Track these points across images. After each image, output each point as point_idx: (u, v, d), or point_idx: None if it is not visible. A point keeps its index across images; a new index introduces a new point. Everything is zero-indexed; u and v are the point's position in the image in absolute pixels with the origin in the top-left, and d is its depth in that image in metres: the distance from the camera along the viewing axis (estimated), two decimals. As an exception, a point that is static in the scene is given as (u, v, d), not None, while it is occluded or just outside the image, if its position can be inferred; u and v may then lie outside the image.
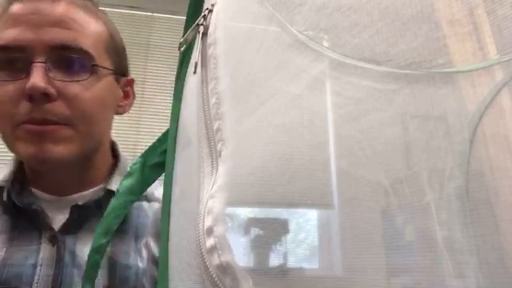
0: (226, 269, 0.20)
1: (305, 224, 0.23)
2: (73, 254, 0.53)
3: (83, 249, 0.53)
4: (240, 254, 0.21)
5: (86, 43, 0.53)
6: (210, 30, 0.27)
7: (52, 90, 0.50)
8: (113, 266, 0.54)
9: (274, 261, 0.22)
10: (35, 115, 0.50)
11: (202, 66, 0.27)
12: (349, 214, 0.21)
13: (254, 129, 0.23)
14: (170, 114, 0.33)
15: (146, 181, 0.38)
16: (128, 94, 0.62)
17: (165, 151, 0.34)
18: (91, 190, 0.58)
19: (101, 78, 0.55)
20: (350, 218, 0.21)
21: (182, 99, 0.32)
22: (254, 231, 0.22)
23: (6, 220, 0.55)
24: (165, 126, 0.33)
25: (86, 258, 0.48)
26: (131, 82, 0.62)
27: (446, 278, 0.18)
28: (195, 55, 0.27)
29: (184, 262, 0.24)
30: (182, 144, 0.30)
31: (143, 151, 0.38)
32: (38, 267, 0.52)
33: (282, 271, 0.22)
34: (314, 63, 0.23)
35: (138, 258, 0.56)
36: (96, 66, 0.53)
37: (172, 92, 0.33)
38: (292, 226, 0.22)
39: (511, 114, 0.20)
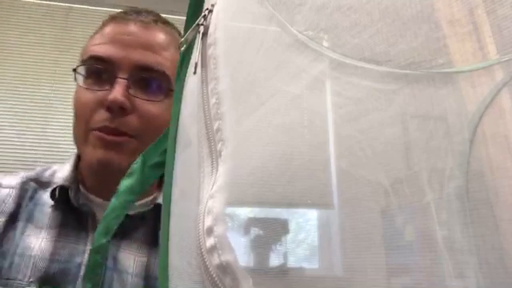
0: (226, 268, 0.20)
1: (305, 224, 0.23)
2: (115, 260, 0.56)
3: (124, 256, 0.56)
4: (240, 253, 0.21)
5: (167, 67, 0.59)
6: (210, 30, 0.27)
7: (128, 105, 0.56)
8: (148, 276, 0.57)
9: (274, 261, 0.22)
10: (109, 124, 0.56)
11: (201, 66, 0.27)
12: (349, 214, 0.21)
13: (254, 129, 0.23)
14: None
15: (146, 181, 0.38)
16: None
17: (165, 151, 0.34)
18: (141, 202, 0.62)
19: (171, 99, 0.59)
20: (350, 218, 0.21)
21: (182, 99, 0.32)
22: (254, 231, 0.22)
23: (57, 216, 0.59)
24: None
25: (126, 264, 0.56)
26: None
27: (445, 278, 0.18)
28: (195, 55, 0.27)
29: (184, 261, 0.24)
30: (182, 144, 0.30)
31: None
32: (83, 267, 0.55)
33: (282, 271, 0.22)
34: (314, 63, 0.23)
35: None
36: (171, 90, 0.59)
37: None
38: (292, 226, 0.22)
39: (511, 114, 0.20)
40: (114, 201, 0.37)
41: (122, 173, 0.55)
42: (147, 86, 0.58)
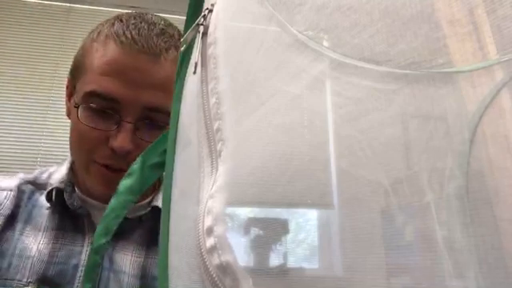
0: (225, 269, 0.20)
1: (305, 224, 0.23)
2: (111, 261, 0.56)
3: (120, 256, 0.57)
4: (240, 253, 0.21)
5: None
6: (210, 30, 0.27)
7: (134, 148, 0.55)
8: (144, 276, 0.57)
9: (274, 261, 0.22)
10: (112, 164, 0.56)
11: (201, 66, 0.27)
12: (349, 214, 0.21)
13: (254, 129, 0.23)
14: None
15: (145, 181, 0.38)
16: None
17: (165, 151, 0.34)
18: (138, 204, 0.62)
19: None
20: (350, 218, 0.21)
21: (182, 99, 0.32)
22: (254, 231, 0.22)
23: (54, 218, 0.59)
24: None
25: (122, 265, 0.56)
26: None
27: (445, 278, 0.18)
28: (195, 55, 0.27)
29: (184, 261, 0.24)
30: (182, 144, 0.30)
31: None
32: (80, 268, 0.55)
33: (282, 271, 0.22)
34: (314, 63, 0.23)
35: None
36: None
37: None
38: (292, 226, 0.22)
39: (511, 114, 0.20)
40: (113, 201, 0.37)
41: None
42: (154, 127, 0.56)
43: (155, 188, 0.65)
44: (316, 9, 0.23)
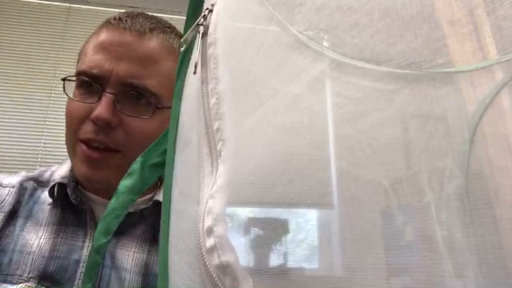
0: (225, 269, 0.20)
1: (305, 224, 0.23)
2: (113, 257, 0.56)
3: (122, 253, 0.57)
4: (240, 253, 0.21)
5: (157, 84, 0.58)
6: (210, 30, 0.27)
7: (114, 121, 0.56)
8: (147, 274, 0.57)
9: (274, 261, 0.22)
10: (94, 137, 0.56)
11: (201, 66, 0.27)
12: (349, 213, 0.21)
13: (255, 129, 0.23)
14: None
15: (146, 181, 0.38)
16: None
17: (165, 151, 0.34)
18: (140, 199, 0.62)
19: (162, 115, 0.59)
20: (350, 218, 0.21)
21: (182, 99, 0.32)
22: (254, 231, 0.22)
23: (55, 213, 0.59)
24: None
25: (124, 261, 0.56)
26: None
27: (445, 278, 0.18)
28: (195, 55, 0.27)
29: (184, 261, 0.24)
30: (182, 144, 0.30)
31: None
32: (82, 263, 0.55)
33: (282, 271, 0.22)
34: (314, 63, 0.23)
35: None
36: (161, 108, 0.58)
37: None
38: (292, 226, 0.22)
39: (511, 114, 0.20)
40: (113, 201, 0.37)
41: (109, 186, 0.57)
42: (135, 102, 0.57)
43: (157, 185, 0.65)
44: (316, 9, 0.23)
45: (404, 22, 0.21)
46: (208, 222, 0.22)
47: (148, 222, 0.61)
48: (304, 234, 0.23)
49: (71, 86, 0.61)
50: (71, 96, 0.60)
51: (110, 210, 0.37)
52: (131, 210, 0.58)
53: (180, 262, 0.25)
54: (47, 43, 2.22)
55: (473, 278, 0.19)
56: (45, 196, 0.61)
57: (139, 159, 0.38)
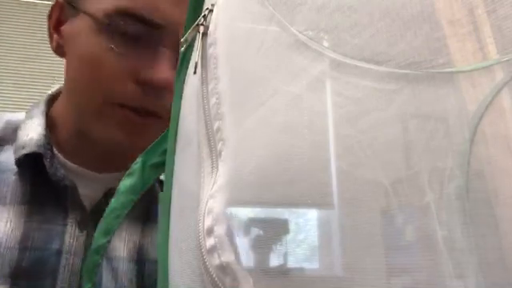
0: (226, 269, 0.20)
1: (305, 224, 0.23)
2: None
3: (113, 238, 0.45)
4: (240, 254, 0.21)
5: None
6: (210, 30, 0.27)
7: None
8: (141, 260, 0.48)
9: (275, 261, 0.22)
10: (144, 104, 0.43)
11: (202, 66, 0.27)
12: (349, 213, 0.21)
13: (255, 128, 0.23)
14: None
15: (146, 180, 0.38)
16: None
17: (165, 151, 0.34)
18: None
19: None
20: (350, 217, 0.21)
21: (182, 99, 0.32)
22: (255, 231, 0.22)
23: (24, 189, 0.45)
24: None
25: (116, 248, 0.45)
26: None
27: (446, 278, 0.18)
28: (195, 55, 0.27)
29: (184, 262, 0.24)
30: (182, 144, 0.30)
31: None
32: (65, 255, 0.44)
33: (283, 271, 0.22)
34: (314, 63, 0.23)
35: None
36: None
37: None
38: (292, 226, 0.22)
39: None
40: (113, 201, 0.37)
41: (133, 152, 0.42)
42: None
43: None
44: (316, 9, 0.23)
45: (404, 22, 0.21)
46: (208, 222, 0.22)
47: (140, 200, 0.47)
48: (304, 234, 0.23)
49: (85, 24, 0.43)
50: (103, 40, 0.42)
51: (110, 211, 0.37)
52: (114, 186, 0.48)
53: (180, 262, 0.25)
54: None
55: (473, 278, 0.19)
56: (6, 160, 0.45)
57: (139, 159, 0.38)
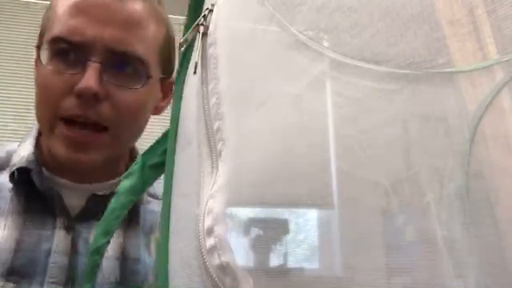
0: (226, 269, 0.20)
1: (305, 224, 0.23)
2: (87, 243, 0.52)
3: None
4: (240, 254, 0.21)
5: (144, 50, 0.52)
6: (210, 30, 0.27)
7: (102, 92, 0.49)
8: (124, 258, 0.53)
9: (275, 261, 0.22)
10: (80, 113, 0.49)
11: (202, 66, 0.27)
12: (349, 214, 0.21)
13: (255, 128, 0.23)
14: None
15: (146, 181, 0.38)
16: (167, 95, 0.61)
17: (165, 151, 0.34)
18: (110, 182, 0.57)
19: (151, 86, 0.54)
20: (350, 218, 0.21)
21: (182, 99, 0.32)
22: (255, 231, 0.22)
23: (18, 201, 0.53)
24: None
25: None
26: (172, 84, 0.62)
27: (445, 278, 0.18)
28: (195, 55, 0.27)
29: (184, 262, 0.24)
30: (182, 144, 0.30)
31: None
32: (53, 254, 0.50)
33: (283, 271, 0.22)
34: (314, 63, 0.23)
35: (146, 253, 0.55)
36: (149, 76, 0.53)
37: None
38: (292, 226, 0.22)
39: (511, 114, 0.20)
40: (113, 201, 0.37)
41: (94, 167, 0.52)
42: (122, 70, 0.51)
43: (127, 167, 0.59)
44: (316, 9, 0.23)
45: (404, 22, 0.21)
46: (208, 222, 0.22)
47: None
48: (304, 234, 0.23)
49: (43, 56, 0.53)
50: (45, 63, 0.52)
51: (109, 211, 0.37)
52: (100, 193, 0.54)
53: (180, 262, 0.25)
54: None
55: (473, 278, 0.19)
56: (3, 181, 0.54)
57: (139, 159, 0.38)
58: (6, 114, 2.09)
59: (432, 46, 0.20)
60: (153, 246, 0.56)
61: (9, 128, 2.07)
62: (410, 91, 0.20)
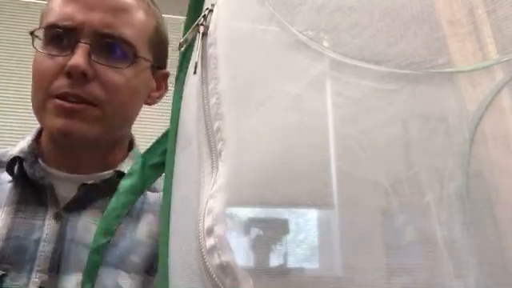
0: (226, 269, 0.20)
1: (305, 224, 0.23)
2: (74, 231, 0.54)
3: (86, 226, 0.54)
4: (240, 254, 0.21)
5: (131, 34, 0.56)
6: (210, 30, 0.27)
7: (90, 71, 0.53)
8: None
9: (275, 261, 0.22)
10: (69, 90, 0.53)
11: (202, 66, 0.27)
12: (349, 213, 0.21)
13: (255, 128, 0.23)
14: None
15: (146, 181, 0.38)
16: (161, 87, 0.64)
17: (165, 151, 0.34)
18: (103, 173, 0.59)
19: (139, 68, 0.57)
20: (350, 218, 0.21)
21: (182, 99, 0.32)
22: (254, 231, 0.22)
23: (16, 191, 0.56)
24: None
25: (86, 237, 0.53)
26: (166, 76, 0.65)
27: (445, 278, 0.18)
28: (195, 55, 0.27)
29: (184, 262, 0.24)
30: (182, 144, 0.30)
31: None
32: (42, 243, 0.52)
33: (283, 271, 0.22)
34: (314, 63, 0.23)
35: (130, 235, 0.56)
36: (137, 57, 0.56)
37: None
38: (292, 226, 0.22)
39: (511, 114, 0.20)
40: (113, 201, 0.37)
41: (85, 142, 0.55)
42: (111, 52, 0.55)
43: (119, 158, 0.62)
44: (316, 9, 0.23)
45: (404, 22, 0.21)
46: (208, 222, 0.22)
47: (110, 193, 0.53)
48: (304, 234, 0.23)
49: (38, 44, 0.57)
50: (40, 49, 0.56)
51: (110, 210, 0.37)
52: (90, 182, 0.56)
53: (180, 262, 0.25)
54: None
55: (473, 278, 0.19)
56: (4, 175, 0.58)
57: (140, 159, 0.38)
58: (5, 114, 2.09)
59: (432, 46, 0.20)
60: (144, 227, 0.57)
61: (9, 128, 2.07)
62: (410, 91, 0.20)
